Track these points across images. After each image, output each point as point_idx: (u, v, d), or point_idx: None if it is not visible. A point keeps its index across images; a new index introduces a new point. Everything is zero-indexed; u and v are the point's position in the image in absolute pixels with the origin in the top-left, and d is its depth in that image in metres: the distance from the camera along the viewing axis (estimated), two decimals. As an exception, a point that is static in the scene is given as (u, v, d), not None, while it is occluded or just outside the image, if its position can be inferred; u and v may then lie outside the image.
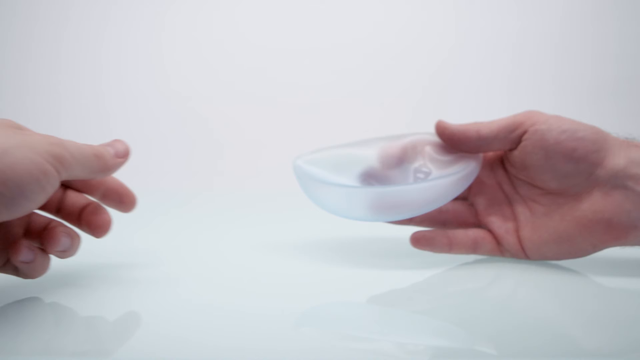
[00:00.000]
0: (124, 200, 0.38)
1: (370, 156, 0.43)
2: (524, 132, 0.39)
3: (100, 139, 0.37)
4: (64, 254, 0.35)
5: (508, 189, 0.42)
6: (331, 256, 0.44)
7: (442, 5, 0.93)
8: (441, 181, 0.40)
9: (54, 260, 0.35)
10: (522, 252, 0.41)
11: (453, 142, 0.41)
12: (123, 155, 0.36)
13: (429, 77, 0.92)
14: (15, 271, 0.35)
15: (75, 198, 0.38)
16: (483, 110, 0.40)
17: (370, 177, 0.42)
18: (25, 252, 0.33)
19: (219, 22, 0.93)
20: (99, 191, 0.38)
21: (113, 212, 0.38)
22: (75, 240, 0.35)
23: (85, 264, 0.39)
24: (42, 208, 0.37)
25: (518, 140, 0.39)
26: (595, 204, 0.38)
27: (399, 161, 0.43)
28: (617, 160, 0.37)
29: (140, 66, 0.93)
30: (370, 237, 0.49)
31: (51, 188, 0.31)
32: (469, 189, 0.43)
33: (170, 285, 0.37)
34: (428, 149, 0.43)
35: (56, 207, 0.38)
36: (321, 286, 0.38)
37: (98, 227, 0.37)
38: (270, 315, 0.32)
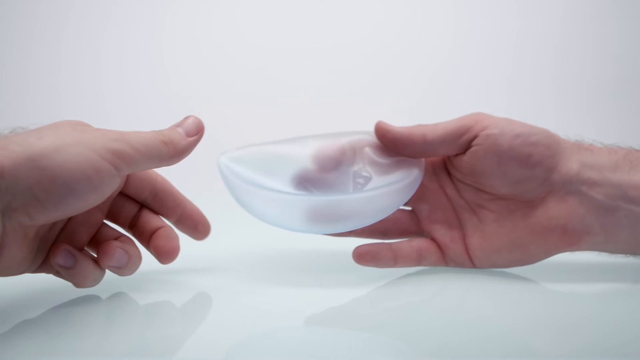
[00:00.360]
0: (198, 228, 0.38)
1: (304, 156, 0.38)
2: (474, 137, 0.36)
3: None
4: (119, 270, 0.33)
5: (452, 194, 0.39)
6: (262, 273, 0.40)
7: (442, 5, 0.93)
8: (385, 190, 0.36)
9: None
10: (469, 261, 0.39)
11: (395, 147, 0.38)
12: (195, 133, 0.34)
13: (429, 77, 0.92)
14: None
15: (150, 218, 0.37)
16: (483, 110, 0.39)
17: (305, 181, 0.38)
18: (62, 256, 0.31)
19: (219, 22, 0.93)
20: (175, 215, 0.37)
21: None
22: (133, 259, 0.33)
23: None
24: (115, 221, 0.36)
25: (467, 145, 0.37)
26: (549, 210, 0.37)
27: (337, 164, 0.39)
28: (570, 164, 0.36)
29: (140, 66, 0.93)
30: (307, 249, 0.45)
31: (107, 187, 0.30)
32: None
33: (163, 287, 0.37)
34: (367, 151, 0.39)
35: (129, 223, 0.37)
36: (252, 309, 0.34)
37: (165, 253, 0.35)
38: (200, 344, 0.29)
